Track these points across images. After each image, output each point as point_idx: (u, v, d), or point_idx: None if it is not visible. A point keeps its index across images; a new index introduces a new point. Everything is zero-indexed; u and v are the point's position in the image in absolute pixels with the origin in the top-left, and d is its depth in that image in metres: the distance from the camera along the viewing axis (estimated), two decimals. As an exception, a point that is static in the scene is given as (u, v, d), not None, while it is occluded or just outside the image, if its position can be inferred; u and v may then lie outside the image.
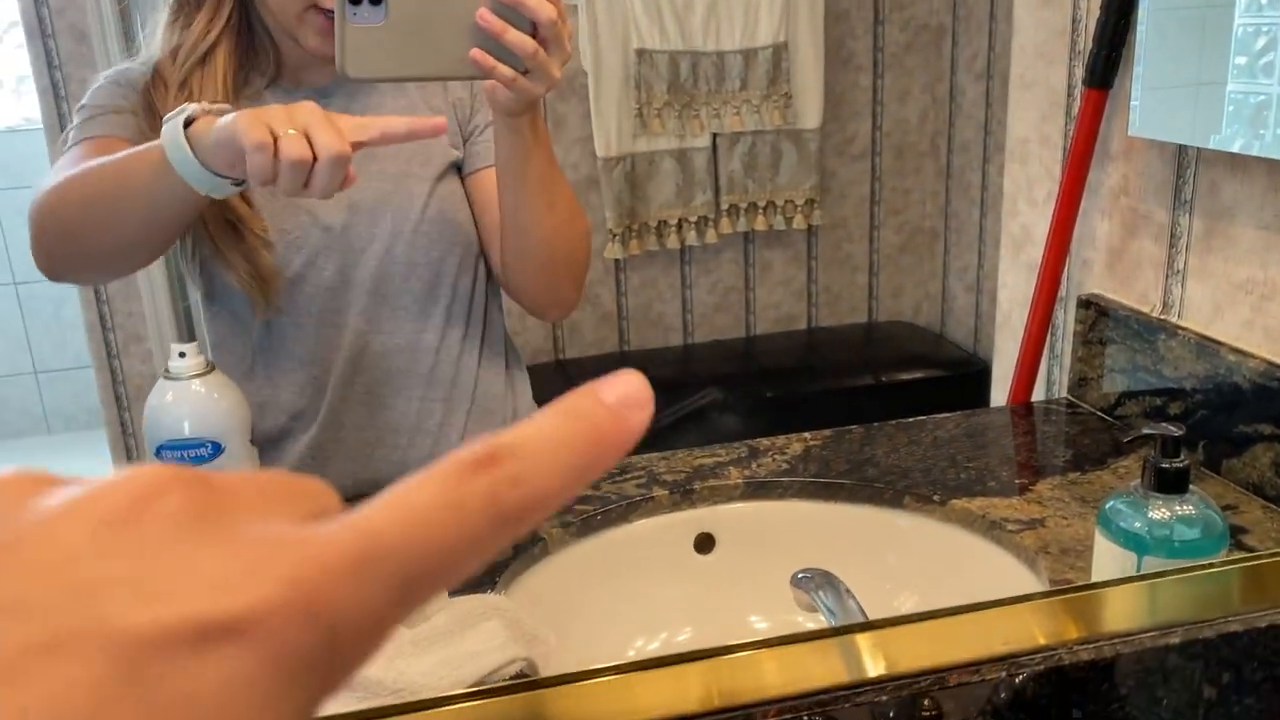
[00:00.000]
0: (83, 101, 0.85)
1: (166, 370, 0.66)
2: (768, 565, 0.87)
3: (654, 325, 2.25)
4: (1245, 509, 0.81)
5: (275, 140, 0.61)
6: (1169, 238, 0.93)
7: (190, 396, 0.66)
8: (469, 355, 0.96)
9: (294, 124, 0.63)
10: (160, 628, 0.15)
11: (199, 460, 0.66)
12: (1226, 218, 0.86)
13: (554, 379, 2.16)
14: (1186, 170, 0.90)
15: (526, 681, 0.53)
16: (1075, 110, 1.00)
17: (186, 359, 0.66)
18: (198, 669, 0.15)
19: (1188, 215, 0.90)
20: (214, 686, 0.15)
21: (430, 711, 0.53)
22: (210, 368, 0.67)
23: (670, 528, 0.91)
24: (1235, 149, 0.81)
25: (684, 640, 0.86)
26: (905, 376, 2.23)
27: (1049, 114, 1.06)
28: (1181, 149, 0.89)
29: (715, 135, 2.11)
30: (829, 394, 2.07)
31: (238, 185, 0.67)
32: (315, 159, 0.63)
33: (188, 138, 0.65)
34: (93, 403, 2.32)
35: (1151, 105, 0.89)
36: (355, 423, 0.91)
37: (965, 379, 2.06)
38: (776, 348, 2.26)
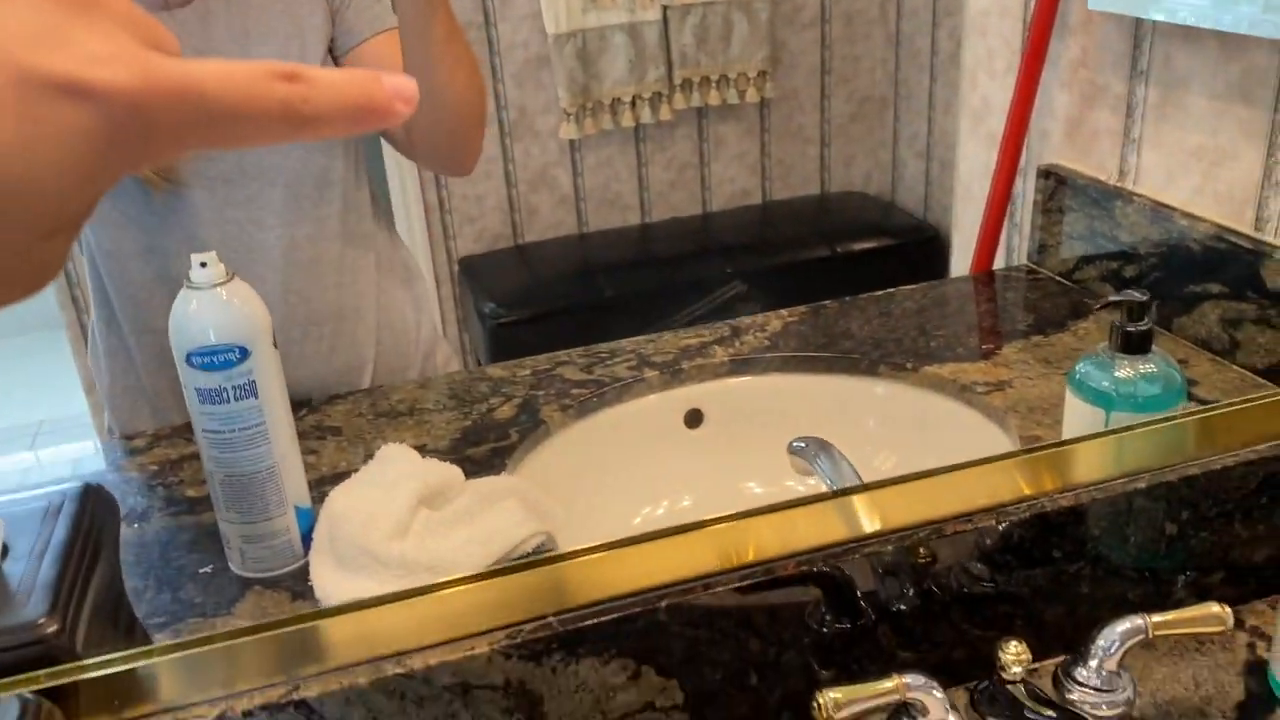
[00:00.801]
0: None
1: (189, 280, 0.68)
2: (755, 436, 0.93)
3: (611, 205, 2.27)
4: (1195, 363, 0.88)
5: None
6: (1125, 108, 0.97)
7: (214, 304, 0.68)
8: (350, 252, 0.98)
9: None
10: (50, 70, 0.22)
11: (228, 365, 0.68)
12: (1180, 88, 0.91)
13: (514, 262, 2.19)
14: (1143, 42, 0.94)
15: (552, 556, 0.58)
16: (1036, -16, 1.03)
17: (208, 268, 0.68)
18: (60, 107, 0.22)
19: (1144, 86, 0.94)
20: (65, 121, 0.22)
21: (468, 585, 0.58)
22: (231, 276, 0.69)
23: (661, 406, 0.96)
24: (1190, 22, 0.85)
25: (686, 507, 0.92)
26: (859, 246, 2.28)
27: (1009, -13, 1.08)
28: (1138, 21, 0.93)
29: (665, 8, 2.10)
30: (787, 266, 2.12)
31: None
32: None
33: None
34: (48, 307, 2.29)
35: (1112, -21, 0.92)
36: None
37: (917, 245, 2.12)
38: (733, 223, 2.29)
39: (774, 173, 2.28)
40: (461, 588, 0.55)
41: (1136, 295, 0.68)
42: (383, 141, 1.06)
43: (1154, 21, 0.91)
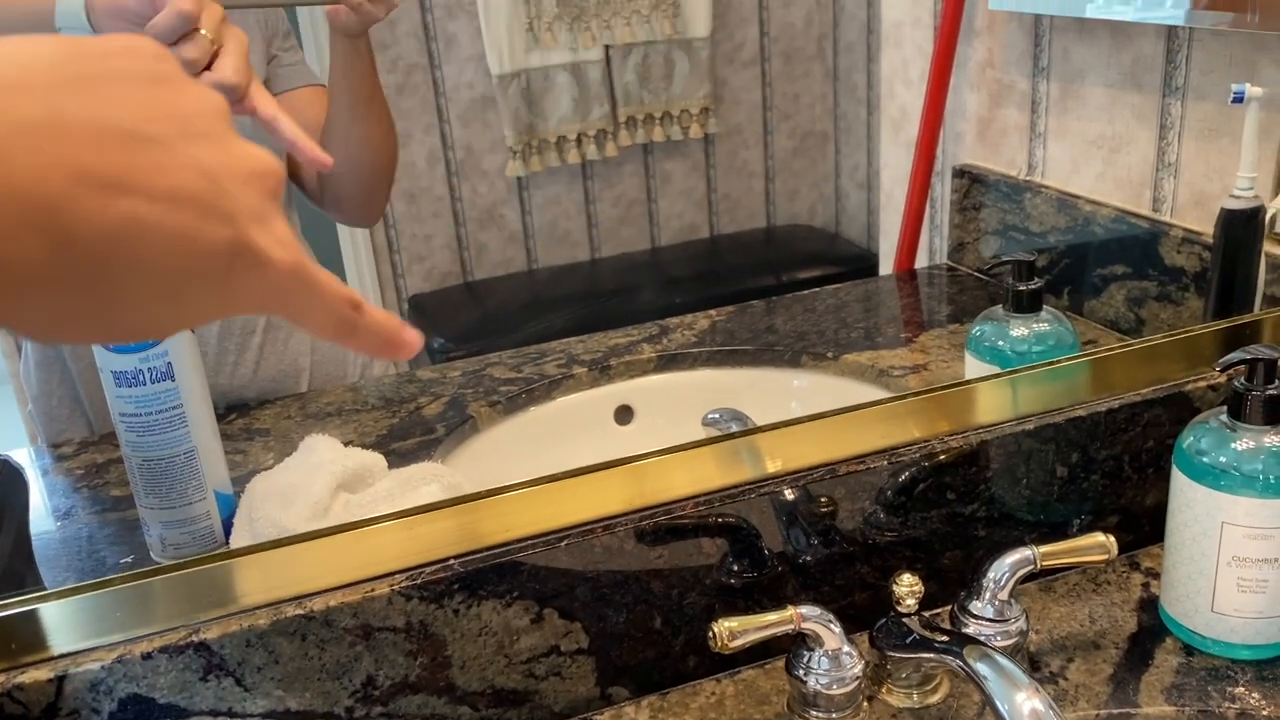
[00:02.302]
0: None
1: (103, 263, 0.69)
2: (683, 430, 0.94)
3: (560, 242, 2.30)
4: (1105, 343, 0.91)
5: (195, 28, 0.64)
6: (1030, 104, 1.01)
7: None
8: None
9: (211, 27, 0.65)
10: (254, 241, 0.29)
11: (143, 346, 0.69)
12: (1078, 80, 0.95)
13: (464, 299, 2.20)
14: (1042, 39, 0.98)
15: (455, 499, 0.58)
16: (941, -9, 1.07)
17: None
18: (244, 266, 0.29)
19: (1046, 81, 0.98)
20: (239, 276, 0.29)
21: (373, 527, 0.58)
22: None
23: (591, 402, 0.98)
24: (1085, 14, 0.89)
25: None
26: (804, 275, 2.32)
27: (918, -3, 1.13)
28: (1037, 19, 0.97)
29: (608, 47, 2.15)
30: (735, 296, 2.15)
31: None
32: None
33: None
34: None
35: (1006, -22, 0.97)
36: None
37: (861, 273, 2.17)
38: (682, 256, 2.33)
39: (720, 207, 2.32)
40: (364, 530, 0.56)
41: (1024, 255, 0.71)
42: None
43: (1051, 17, 0.95)
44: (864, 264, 2.27)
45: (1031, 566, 0.59)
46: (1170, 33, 0.84)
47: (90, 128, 0.25)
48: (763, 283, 2.25)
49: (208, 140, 0.28)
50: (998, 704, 0.50)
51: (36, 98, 0.25)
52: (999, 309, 0.73)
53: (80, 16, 0.67)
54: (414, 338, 0.34)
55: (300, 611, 0.54)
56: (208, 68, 0.65)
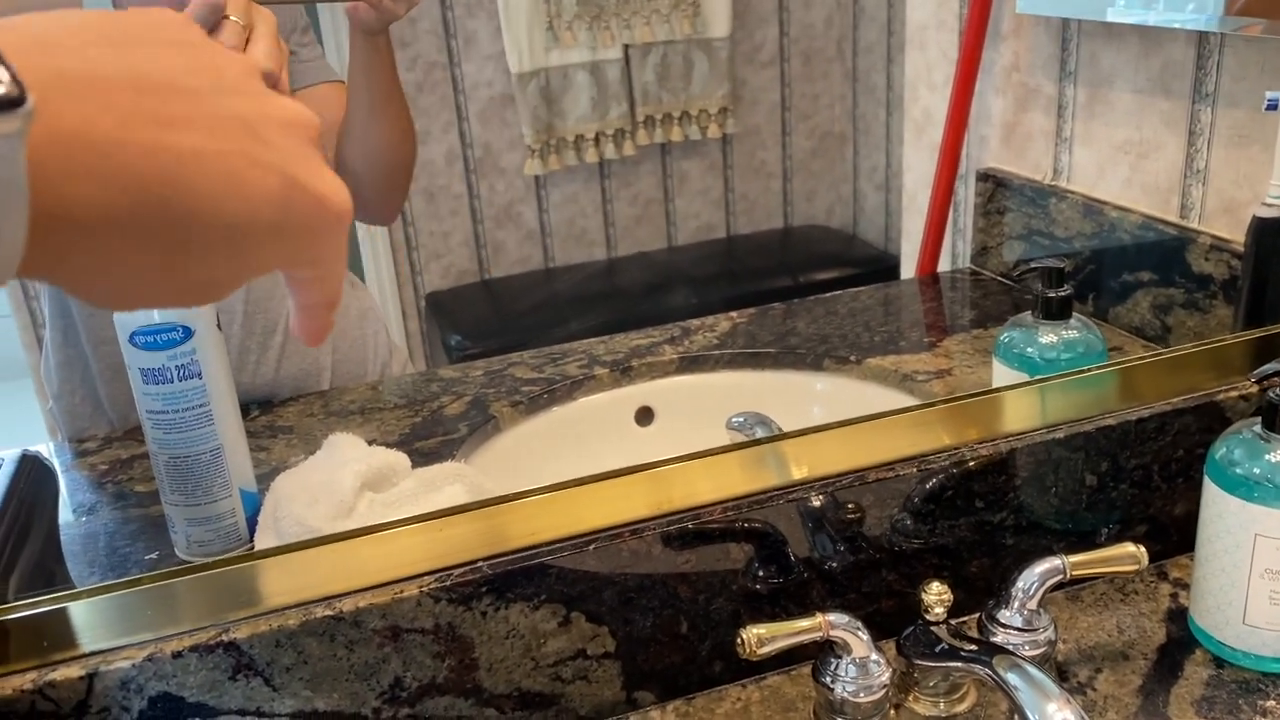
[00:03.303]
0: None
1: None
2: (704, 432, 0.94)
3: (577, 240, 2.30)
4: (1130, 350, 0.90)
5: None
6: (1056, 108, 1.00)
7: (156, 284, 0.70)
8: None
9: (241, 12, 0.65)
10: (316, 188, 0.30)
11: (171, 344, 0.69)
12: (1106, 85, 0.94)
13: (481, 297, 2.20)
14: (1070, 43, 0.97)
15: (484, 501, 0.58)
16: (967, -6, 1.07)
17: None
18: (308, 204, 0.30)
19: (1073, 86, 0.98)
20: (304, 216, 0.31)
21: (399, 529, 0.58)
22: (173, 256, 0.70)
23: (611, 404, 0.98)
24: (1110, 19, 0.88)
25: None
26: (821, 276, 2.31)
27: (944, 0, 1.12)
28: (1065, 23, 0.97)
29: (627, 46, 2.15)
30: (751, 298, 2.15)
31: None
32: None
33: None
34: (8, 353, 2.28)
35: (1035, -18, 0.96)
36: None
37: (878, 275, 2.16)
38: (698, 257, 2.33)
39: (737, 207, 2.32)
40: (392, 531, 0.56)
41: (1054, 261, 0.70)
42: None
43: (1079, 21, 0.95)
44: (881, 266, 2.26)
45: (1061, 576, 0.59)
46: (1201, 38, 0.84)
47: (129, 78, 0.26)
48: (779, 284, 2.24)
49: (241, 94, 0.29)
50: (1029, 715, 0.50)
51: (74, 54, 0.25)
52: (1027, 315, 0.73)
53: (108, 2, 0.67)
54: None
55: (329, 612, 0.54)
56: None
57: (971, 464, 0.63)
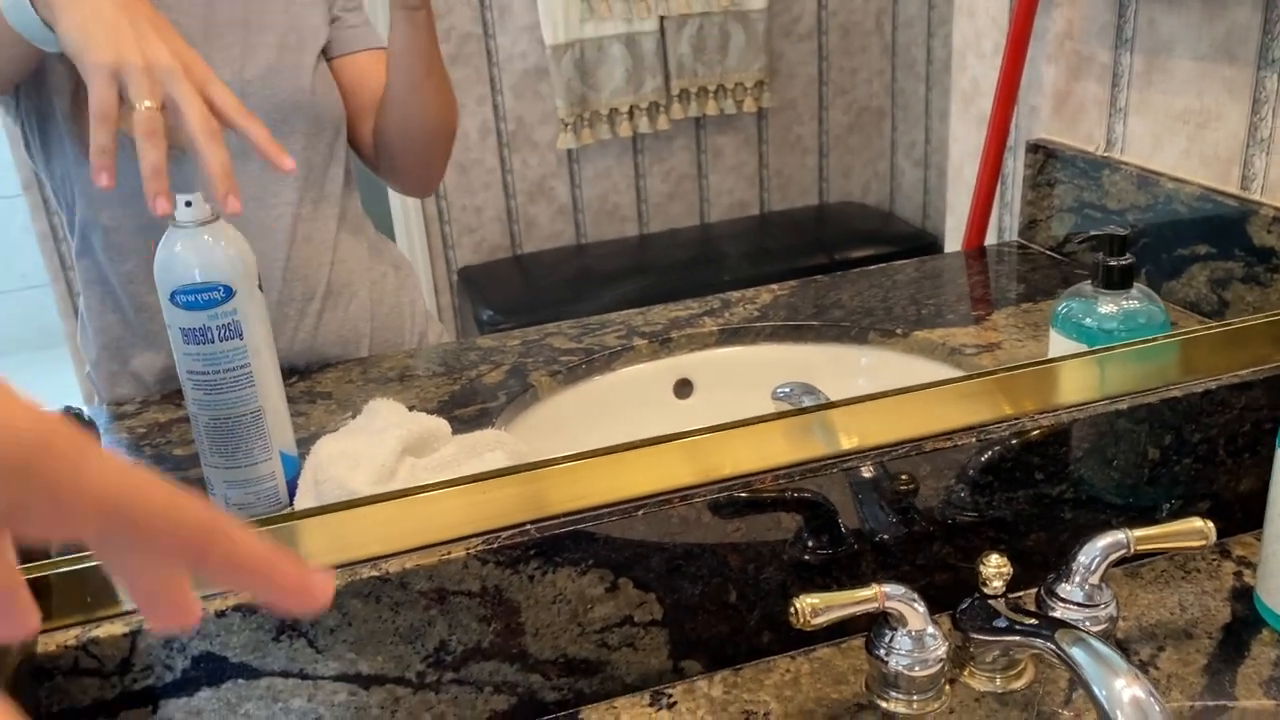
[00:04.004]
0: None
1: (174, 219, 0.69)
2: (744, 403, 0.93)
3: (609, 216, 2.28)
4: (1184, 325, 0.88)
5: (122, 91, 0.61)
6: (1111, 77, 0.98)
7: (198, 243, 0.68)
8: (344, 234, 1.01)
9: (151, 87, 0.62)
10: None
11: (212, 304, 0.69)
12: (1165, 52, 0.91)
13: (513, 272, 2.19)
14: (1127, 9, 0.94)
15: (531, 464, 0.57)
16: (1021, -41, 1.04)
17: (193, 208, 0.68)
18: None
19: (1129, 53, 0.95)
20: None
21: (441, 491, 0.57)
22: (216, 217, 0.69)
23: (650, 375, 0.96)
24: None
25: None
26: (857, 254, 2.29)
27: (995, -34, 1.09)
28: (1122, -12, 0.94)
29: (663, 18, 2.12)
30: (785, 275, 2.13)
31: None
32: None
33: None
34: (46, 322, 2.29)
35: (1094, -55, 0.93)
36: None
37: (915, 252, 2.13)
38: (731, 233, 2.31)
39: (772, 183, 2.29)
40: (439, 492, 0.55)
41: (1116, 229, 0.68)
42: None
43: (1137, -13, 0.92)
44: (918, 244, 2.23)
45: (1124, 551, 0.57)
46: (1269, 2, 0.81)
47: None
48: (814, 261, 2.22)
49: None
50: (1095, 690, 0.48)
51: None
52: (1087, 285, 0.71)
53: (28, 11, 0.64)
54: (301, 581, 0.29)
55: (375, 573, 0.53)
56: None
57: (1034, 433, 0.61)
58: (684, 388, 0.98)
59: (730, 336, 0.98)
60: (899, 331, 0.93)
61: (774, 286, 1.03)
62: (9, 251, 2.98)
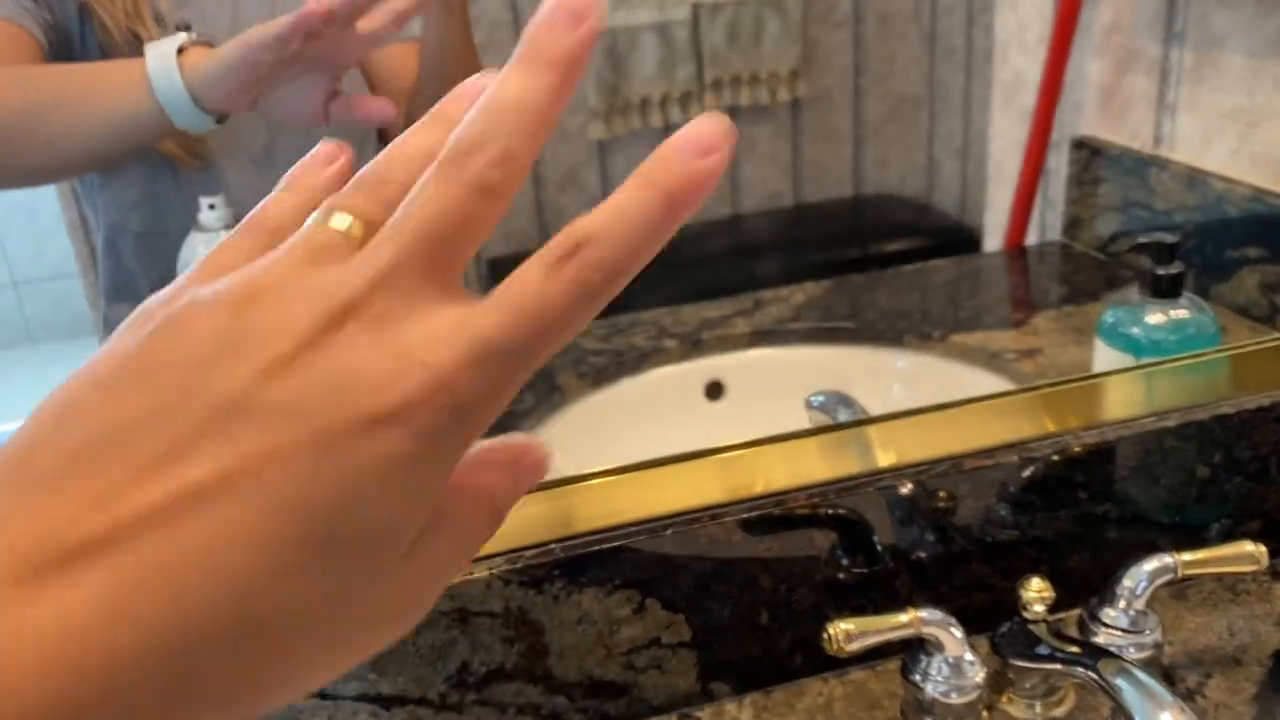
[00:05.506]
0: None
1: (197, 223, 0.68)
2: (776, 408, 0.91)
3: (642, 205, 2.25)
4: (1233, 330, 0.85)
5: None
6: (1160, 72, 0.94)
7: (221, 247, 0.68)
8: None
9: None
10: (345, 420, 0.21)
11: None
12: (1216, 48, 0.88)
13: (545, 262, 2.18)
14: (1178, 3, 0.91)
15: (557, 480, 0.56)
16: (1066, -51, 1.01)
17: (216, 210, 0.67)
18: (369, 446, 0.21)
19: (1179, 48, 0.92)
20: (379, 458, 0.21)
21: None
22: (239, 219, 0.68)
23: (681, 377, 0.94)
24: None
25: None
26: (893, 247, 2.25)
27: (1040, -44, 1.06)
28: (1173, -19, 0.91)
29: (696, 6, 2.09)
30: (819, 268, 2.10)
31: (220, 121, 0.65)
32: None
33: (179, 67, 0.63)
34: (76, 310, 2.30)
35: (1144, -64, 0.90)
36: None
37: (953, 246, 2.09)
38: (763, 225, 2.28)
39: (806, 174, 2.26)
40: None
41: (1164, 236, 0.65)
42: None
43: (1189, -20, 0.89)
44: (957, 237, 2.19)
45: (1172, 575, 0.55)
46: (1329, -3, 0.77)
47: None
48: (849, 254, 2.18)
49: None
50: (1141, 727, 0.46)
51: None
52: (1133, 293, 0.68)
53: (177, 83, 0.63)
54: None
55: (396, 594, 0.52)
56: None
57: (1077, 450, 0.59)
58: (715, 390, 0.96)
59: (763, 338, 0.96)
60: (936, 335, 0.91)
61: (808, 285, 1.01)
62: (40, 241, 3.02)
